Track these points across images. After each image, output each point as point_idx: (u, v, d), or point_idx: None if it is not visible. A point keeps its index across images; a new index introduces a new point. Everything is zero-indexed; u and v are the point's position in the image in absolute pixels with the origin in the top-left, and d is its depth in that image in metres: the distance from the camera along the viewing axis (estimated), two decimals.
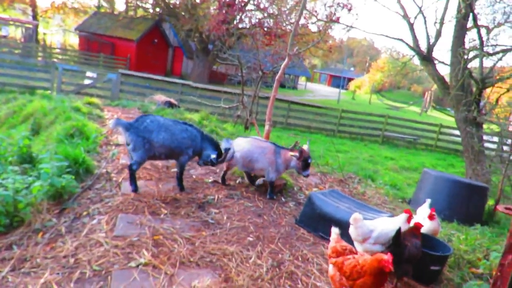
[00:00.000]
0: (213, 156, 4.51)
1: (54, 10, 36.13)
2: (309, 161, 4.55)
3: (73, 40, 37.81)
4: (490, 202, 6.41)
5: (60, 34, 37.70)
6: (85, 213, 3.70)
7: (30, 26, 29.33)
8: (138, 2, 32.91)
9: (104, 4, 37.88)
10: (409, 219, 3.22)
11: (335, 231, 2.92)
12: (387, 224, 3.27)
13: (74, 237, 3.26)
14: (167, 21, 30.88)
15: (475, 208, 5.66)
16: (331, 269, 2.75)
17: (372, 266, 2.47)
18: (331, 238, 2.91)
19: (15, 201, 3.39)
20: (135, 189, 4.28)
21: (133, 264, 2.92)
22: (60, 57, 28.24)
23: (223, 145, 4.68)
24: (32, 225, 3.39)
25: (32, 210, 3.53)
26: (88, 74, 15.34)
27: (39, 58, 25.35)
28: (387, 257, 2.45)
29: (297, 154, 4.55)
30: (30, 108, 8.24)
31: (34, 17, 33.70)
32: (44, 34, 34.85)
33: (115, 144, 6.09)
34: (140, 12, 34.56)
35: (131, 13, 35.29)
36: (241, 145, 4.81)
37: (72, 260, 2.91)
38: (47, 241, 3.20)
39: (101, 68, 25.71)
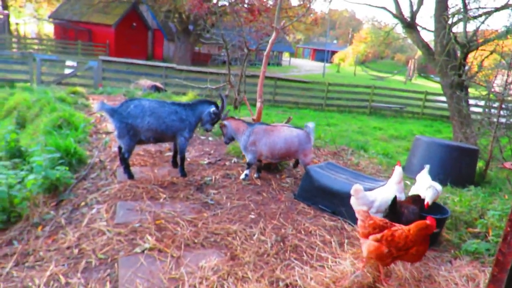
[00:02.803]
0: (212, 109, 4.41)
1: None
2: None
3: (48, 29, 36.44)
4: (480, 164, 6.56)
5: (33, 23, 36.25)
6: (83, 203, 3.65)
7: (1, 16, 28.11)
8: None
9: None
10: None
11: (362, 209, 2.85)
12: (387, 193, 3.32)
13: (75, 227, 3.23)
14: (144, 3, 29.92)
15: (467, 171, 5.79)
16: (371, 245, 2.64)
17: (420, 234, 2.54)
18: (361, 217, 2.78)
19: (10, 197, 3.33)
20: (130, 176, 4.23)
21: (138, 249, 2.92)
22: (36, 47, 27.29)
23: (310, 126, 4.64)
24: (30, 219, 3.34)
25: (28, 204, 3.47)
26: (68, 63, 14.90)
27: (14, 50, 24.46)
28: (429, 221, 2.55)
29: None
30: (12, 102, 8.00)
31: (4, 6, 32.24)
32: (17, 24, 33.47)
33: (105, 132, 5.99)
34: None
35: None
36: None
37: (76, 251, 2.89)
38: (48, 234, 3.17)
39: (80, 56, 24.99)
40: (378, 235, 2.64)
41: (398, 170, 3.41)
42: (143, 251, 2.90)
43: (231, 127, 4.59)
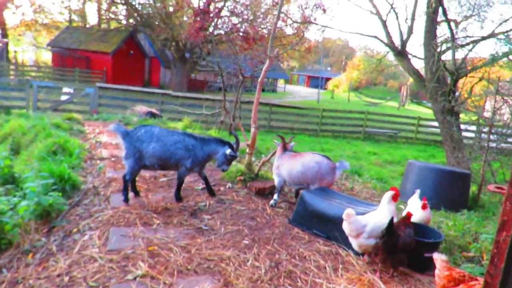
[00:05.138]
0: (228, 151, 4.45)
1: (24, 27, 35.34)
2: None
3: (46, 56, 36.97)
4: (473, 188, 6.61)
5: (32, 51, 36.81)
6: (75, 229, 3.62)
7: (0, 44, 28.55)
8: (111, 15, 32.54)
9: (76, 18, 37.27)
10: (395, 197, 3.30)
11: (441, 257, 2.60)
12: (379, 217, 3.32)
13: (66, 255, 3.19)
14: (142, 31, 30.61)
15: (460, 195, 5.83)
16: None
17: None
18: (438, 266, 2.58)
19: (1, 223, 3.29)
20: (126, 199, 4.23)
21: (130, 276, 2.87)
22: (33, 74, 27.60)
23: (344, 163, 4.57)
24: (21, 247, 3.30)
25: (19, 231, 3.43)
26: (65, 89, 15.07)
27: (12, 77, 24.69)
28: None
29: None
30: (7, 128, 8.02)
31: (4, 35, 32.80)
32: (15, 51, 33.96)
33: (99, 158, 6.00)
34: (113, 24, 34.13)
35: (104, 25, 34.84)
36: None
37: (66, 279, 2.84)
38: (38, 261, 3.12)
39: (77, 83, 25.25)
40: None
41: (387, 194, 3.42)
42: (135, 278, 2.86)
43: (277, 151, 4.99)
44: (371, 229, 3.22)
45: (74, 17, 37.23)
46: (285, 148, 4.94)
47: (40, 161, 5.06)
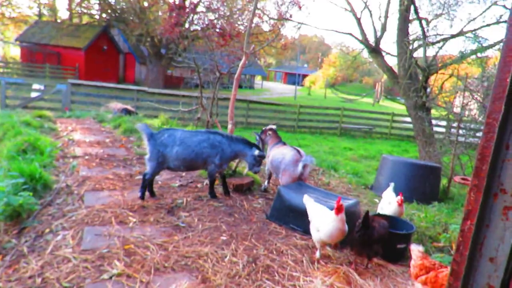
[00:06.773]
0: (257, 152, 4.53)
1: None
2: None
3: (15, 52, 35.51)
4: (443, 181, 6.85)
5: None
6: (47, 230, 3.52)
7: None
8: (83, 9, 31.57)
9: (46, 12, 35.92)
10: (337, 208, 3.18)
11: (417, 248, 2.76)
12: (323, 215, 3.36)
13: (38, 256, 3.10)
14: (116, 26, 29.87)
15: (431, 188, 6.03)
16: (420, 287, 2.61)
17: None
18: (413, 256, 2.73)
19: None
20: (142, 197, 4.33)
21: (105, 276, 2.83)
22: (1, 70, 26.45)
23: (304, 158, 4.66)
24: None
25: None
26: (35, 86, 14.53)
27: None
28: None
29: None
30: None
31: None
32: None
33: (72, 156, 5.84)
34: (85, 19, 33.14)
35: (76, 20, 33.76)
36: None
37: (39, 280, 2.76)
38: (9, 263, 3.01)
39: (48, 80, 24.39)
40: (423, 277, 2.57)
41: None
42: (110, 277, 2.81)
43: (269, 140, 5.31)
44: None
45: (44, 11, 35.85)
46: (278, 139, 5.24)
47: (9, 160, 4.87)
